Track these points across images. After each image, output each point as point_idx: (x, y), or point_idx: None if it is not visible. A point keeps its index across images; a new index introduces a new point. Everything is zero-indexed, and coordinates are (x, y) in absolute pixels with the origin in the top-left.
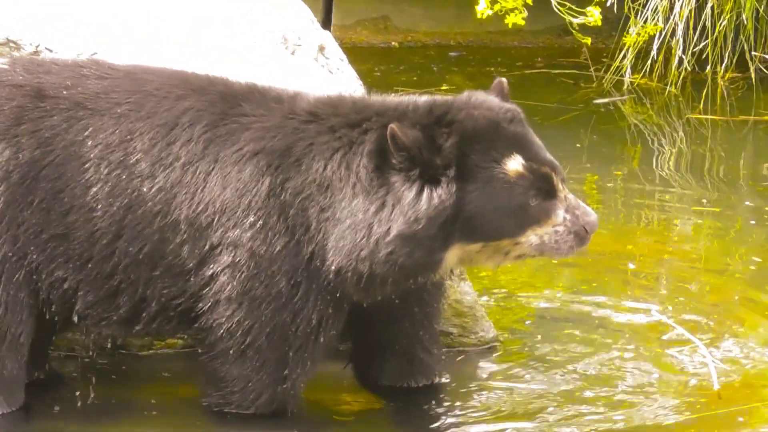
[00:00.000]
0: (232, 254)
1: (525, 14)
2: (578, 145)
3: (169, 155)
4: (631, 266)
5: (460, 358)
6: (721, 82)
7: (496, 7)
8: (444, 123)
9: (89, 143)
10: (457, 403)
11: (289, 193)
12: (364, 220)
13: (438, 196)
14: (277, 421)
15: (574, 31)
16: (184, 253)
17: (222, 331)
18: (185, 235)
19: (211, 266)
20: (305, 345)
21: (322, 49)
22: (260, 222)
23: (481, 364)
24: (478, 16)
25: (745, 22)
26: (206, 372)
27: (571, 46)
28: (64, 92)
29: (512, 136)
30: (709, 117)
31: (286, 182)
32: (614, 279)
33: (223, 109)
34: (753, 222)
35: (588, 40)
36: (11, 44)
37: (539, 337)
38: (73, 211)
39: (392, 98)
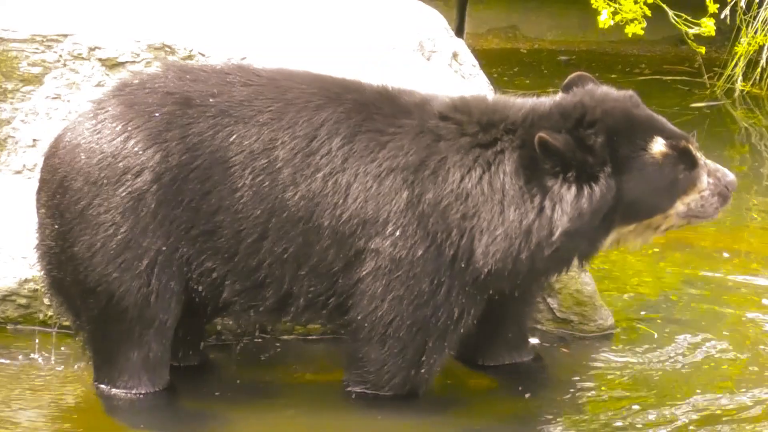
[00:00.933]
0: (375, 259)
1: (644, 24)
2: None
3: (309, 166)
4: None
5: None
6: None
7: (618, 17)
8: (586, 124)
9: (234, 149)
10: (576, 378)
11: (426, 204)
12: (519, 228)
13: (599, 191)
14: (407, 402)
15: (689, 41)
16: (329, 257)
17: (366, 323)
18: (329, 240)
19: (357, 270)
20: (443, 335)
21: (456, 55)
22: (398, 231)
23: (601, 348)
24: (600, 25)
25: None
26: (348, 355)
27: (686, 54)
28: (211, 100)
29: (645, 119)
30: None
31: (423, 194)
32: (722, 264)
33: (357, 121)
34: None
35: (702, 50)
36: (166, 48)
37: (659, 321)
38: (221, 211)
39: (511, 107)
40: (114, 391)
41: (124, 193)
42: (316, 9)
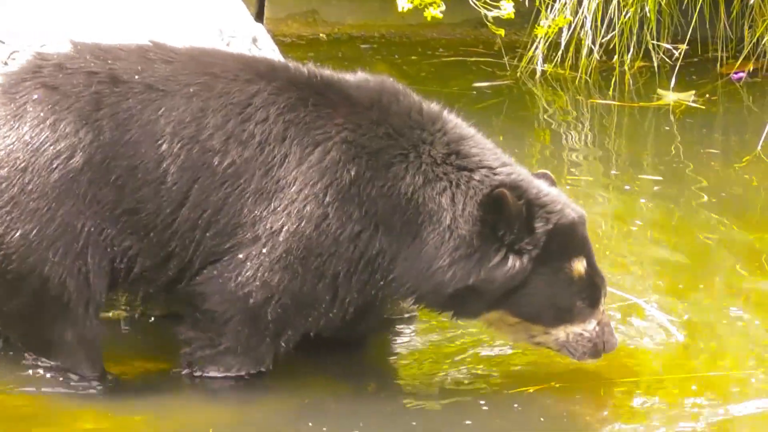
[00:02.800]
0: (297, 224)
1: (443, 8)
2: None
3: (243, 132)
4: None
5: None
6: (628, 71)
7: (416, 2)
8: (546, 210)
9: (162, 122)
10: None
11: (376, 192)
12: (449, 255)
13: (519, 266)
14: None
15: (489, 24)
16: (242, 214)
17: (256, 280)
18: (248, 199)
19: (266, 226)
20: (321, 318)
21: (255, 40)
22: (337, 204)
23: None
24: (399, 10)
25: (648, 14)
26: (193, 328)
27: (486, 37)
28: (136, 77)
29: (582, 239)
30: (609, 102)
31: (374, 179)
32: None
33: (300, 95)
34: (643, 200)
35: (502, 32)
36: None
37: None
38: (145, 186)
39: (483, 145)
40: (49, 370)
41: (56, 177)
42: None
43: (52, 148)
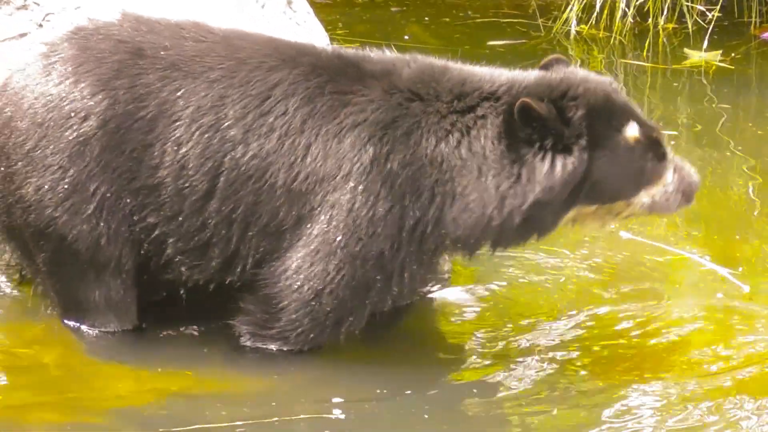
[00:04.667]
0: (329, 213)
1: None
2: None
3: (262, 126)
4: None
5: None
6: (662, 32)
7: None
8: (569, 97)
9: (181, 104)
10: None
11: (396, 164)
12: (496, 195)
13: (572, 163)
14: (312, 357)
15: None
16: (280, 215)
17: (301, 274)
18: (282, 199)
19: (308, 224)
20: (383, 297)
21: (289, 2)
22: (361, 186)
23: None
24: None
25: None
26: (253, 304)
27: (519, 1)
28: (162, 53)
29: (623, 105)
30: (640, 63)
31: (391, 153)
32: None
33: (318, 83)
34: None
35: None
36: None
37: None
38: (163, 167)
39: (482, 76)
40: (83, 328)
41: (70, 137)
42: None
43: (68, 107)
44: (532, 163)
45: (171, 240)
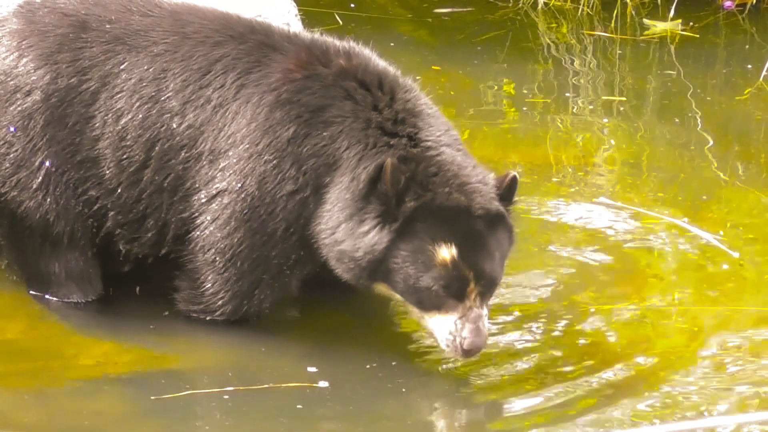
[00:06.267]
0: (242, 182)
1: None
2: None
3: (200, 98)
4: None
5: None
6: (630, 3)
7: None
8: (422, 185)
9: (123, 77)
10: None
11: (306, 149)
12: (339, 217)
13: (378, 236)
14: (235, 326)
15: None
16: (200, 177)
17: (213, 247)
18: (204, 162)
19: (218, 184)
20: (279, 276)
21: None
22: (275, 161)
23: None
24: None
25: None
26: (183, 274)
27: None
28: (107, 26)
29: (467, 230)
30: (605, 35)
31: (307, 137)
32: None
33: (258, 57)
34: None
35: None
36: None
37: None
38: (103, 138)
39: (431, 120)
40: (48, 298)
41: (14, 112)
42: None
43: (13, 82)
44: (363, 218)
45: (111, 213)
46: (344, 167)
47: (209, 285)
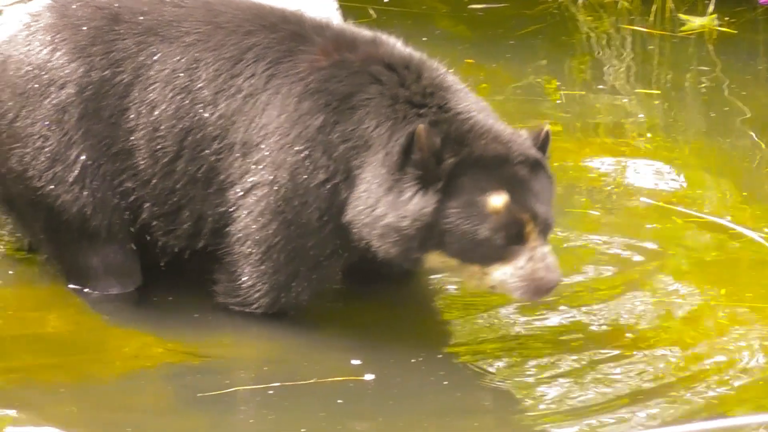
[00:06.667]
0: (274, 173)
1: None
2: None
3: (231, 87)
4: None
5: None
6: None
7: None
8: (457, 141)
9: (156, 68)
10: None
11: (336, 136)
12: (377, 193)
13: (424, 201)
14: (274, 319)
15: None
16: (233, 169)
17: (249, 240)
18: (238, 154)
19: (251, 178)
20: (315, 268)
21: None
22: (306, 152)
23: None
24: None
25: None
26: (222, 267)
27: None
28: (140, 18)
29: (511, 176)
30: (641, 29)
31: (336, 124)
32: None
33: (289, 47)
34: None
35: None
36: None
37: None
38: (138, 130)
39: (460, 93)
40: (88, 292)
41: (49, 106)
42: None
43: (47, 76)
44: (402, 186)
45: (146, 204)
46: (376, 145)
47: (246, 278)
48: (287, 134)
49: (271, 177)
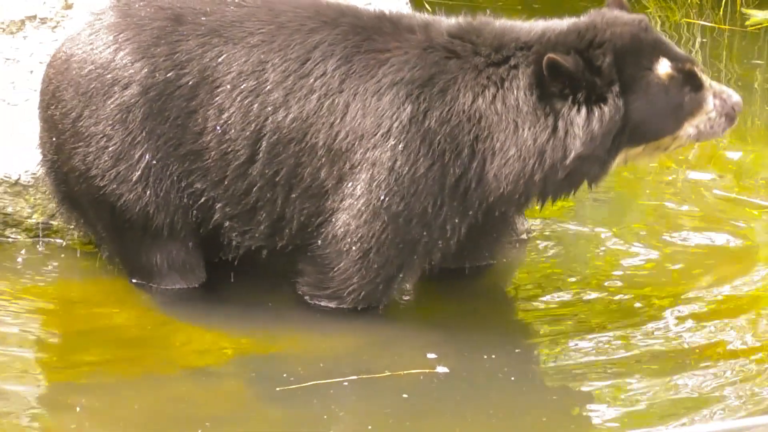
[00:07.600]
0: (370, 171)
1: None
2: None
3: (302, 88)
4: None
5: None
6: None
7: None
8: (596, 45)
9: (222, 70)
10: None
11: (433, 121)
12: (534, 148)
13: (608, 112)
14: (364, 314)
15: None
16: (322, 175)
17: (348, 236)
18: (323, 160)
19: (349, 183)
20: (429, 254)
21: None
22: (401, 145)
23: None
24: None
25: None
26: (308, 264)
27: None
28: (203, 18)
29: (652, 42)
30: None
31: (429, 111)
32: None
33: (355, 42)
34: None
35: None
36: None
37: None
38: (206, 132)
39: (521, 28)
40: (154, 288)
41: (112, 105)
42: None
43: (110, 75)
44: (568, 117)
45: (219, 205)
46: (488, 112)
47: (340, 272)
48: (376, 133)
49: (368, 176)
